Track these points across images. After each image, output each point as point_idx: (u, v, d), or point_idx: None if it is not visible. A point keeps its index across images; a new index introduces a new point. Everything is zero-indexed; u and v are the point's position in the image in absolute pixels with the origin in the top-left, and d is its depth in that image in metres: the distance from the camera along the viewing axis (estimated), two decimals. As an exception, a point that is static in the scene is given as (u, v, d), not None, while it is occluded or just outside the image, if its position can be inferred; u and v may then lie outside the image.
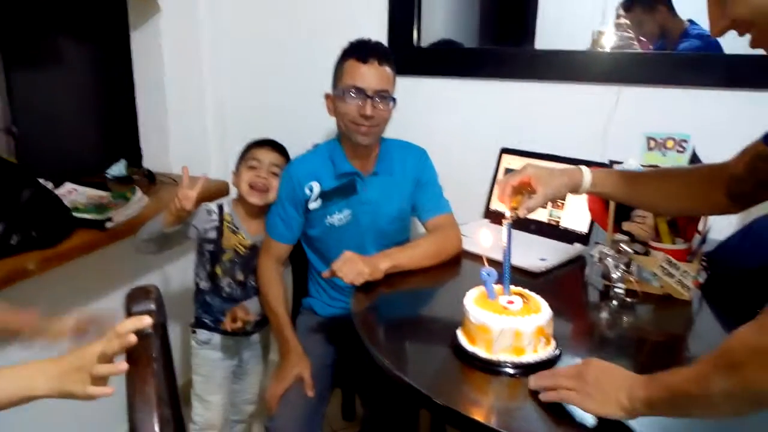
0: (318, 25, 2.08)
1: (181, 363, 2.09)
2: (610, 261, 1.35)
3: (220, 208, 1.73)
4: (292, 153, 1.77)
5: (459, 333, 1.13)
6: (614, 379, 0.89)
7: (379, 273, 1.42)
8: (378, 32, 1.95)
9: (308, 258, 1.77)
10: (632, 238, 1.42)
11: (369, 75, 1.53)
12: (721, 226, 1.44)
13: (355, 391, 1.99)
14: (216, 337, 1.76)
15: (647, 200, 1.25)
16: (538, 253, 1.57)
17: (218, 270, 1.72)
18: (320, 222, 1.66)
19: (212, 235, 1.70)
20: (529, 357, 1.06)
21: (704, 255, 1.44)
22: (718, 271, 1.42)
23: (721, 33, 0.83)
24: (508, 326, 1.05)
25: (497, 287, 1.13)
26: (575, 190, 1.23)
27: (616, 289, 1.34)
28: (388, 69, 1.56)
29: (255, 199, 1.69)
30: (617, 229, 1.44)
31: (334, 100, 1.60)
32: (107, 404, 1.94)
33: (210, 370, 1.78)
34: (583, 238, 1.67)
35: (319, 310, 1.77)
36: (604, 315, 1.33)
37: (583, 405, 0.90)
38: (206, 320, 1.76)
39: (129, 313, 0.85)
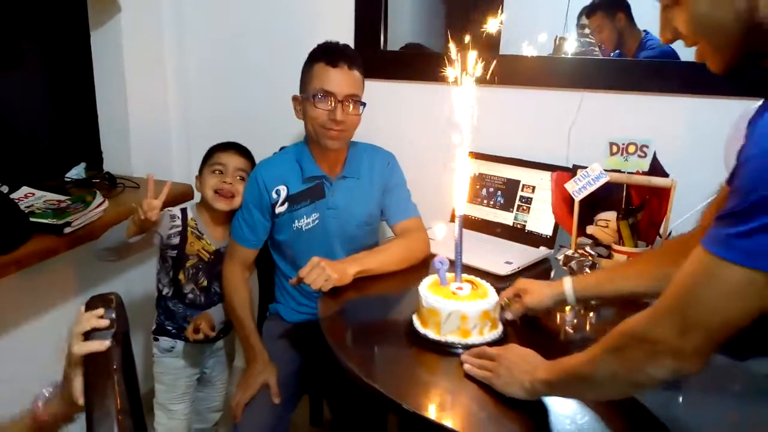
0: (284, 27, 2.07)
1: (143, 371, 2.04)
2: (574, 264, 1.37)
3: (184, 212, 1.69)
4: (258, 156, 1.75)
5: (414, 317, 1.22)
6: (524, 363, 1.01)
7: (347, 278, 1.42)
8: (345, 36, 1.94)
9: (275, 263, 1.75)
10: (596, 242, 1.44)
11: (339, 79, 1.52)
12: (682, 230, 1.48)
13: (323, 396, 1.98)
14: (179, 345, 1.72)
15: (633, 288, 1.18)
16: (504, 256, 1.59)
17: (181, 276, 1.68)
18: (287, 226, 1.64)
19: (175, 240, 1.66)
20: (475, 339, 1.15)
21: (665, 258, 1.47)
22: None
23: (669, 42, 0.87)
24: (455, 309, 1.14)
25: (450, 275, 1.22)
26: (562, 299, 1.22)
27: (581, 292, 1.36)
28: (357, 73, 1.56)
29: (221, 205, 1.66)
30: (581, 232, 1.47)
31: (303, 104, 1.58)
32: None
33: (173, 379, 1.74)
34: (549, 242, 1.69)
35: (286, 315, 1.75)
36: (568, 317, 1.34)
37: (492, 383, 1.02)
38: (169, 327, 1.72)
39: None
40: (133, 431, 0.79)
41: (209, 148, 1.74)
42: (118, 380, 0.73)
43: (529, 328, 1.25)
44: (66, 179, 1.93)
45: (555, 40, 1.92)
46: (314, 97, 1.52)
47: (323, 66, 1.52)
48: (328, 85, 1.51)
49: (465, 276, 1.23)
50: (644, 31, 1.83)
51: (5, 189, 1.65)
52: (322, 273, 1.37)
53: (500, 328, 1.20)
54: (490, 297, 1.18)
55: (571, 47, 1.89)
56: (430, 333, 1.16)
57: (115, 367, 0.75)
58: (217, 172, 1.67)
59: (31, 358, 1.75)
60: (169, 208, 1.67)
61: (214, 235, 1.71)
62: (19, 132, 1.89)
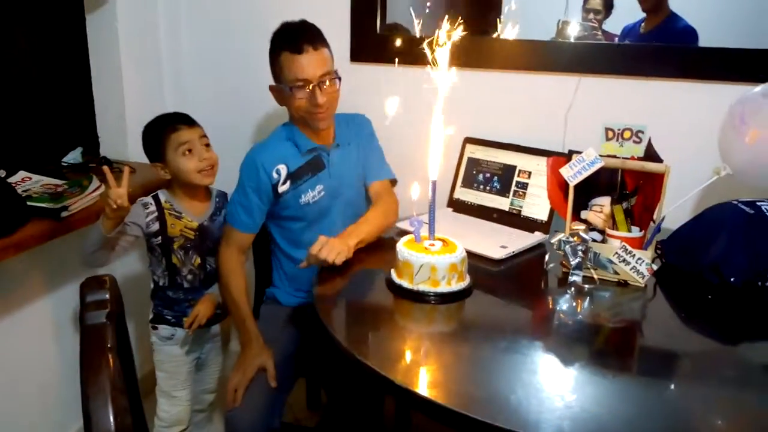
0: (279, 10, 2.04)
1: (138, 355, 2.05)
2: (568, 249, 1.38)
3: (156, 198, 1.65)
4: (254, 141, 1.74)
5: (392, 270, 1.35)
6: None
7: (351, 251, 1.46)
8: (340, 20, 1.93)
9: (274, 247, 1.76)
10: (590, 227, 1.45)
11: (308, 64, 1.53)
12: (675, 216, 1.48)
13: (319, 380, 1.99)
14: (179, 332, 1.71)
15: None
16: (499, 241, 1.59)
17: (175, 260, 1.67)
18: (294, 203, 1.65)
19: (155, 226, 1.63)
20: (443, 288, 1.28)
21: (659, 243, 1.48)
22: (671, 258, 1.47)
23: None
24: (425, 262, 1.27)
25: (425, 234, 1.35)
26: None
27: (574, 276, 1.37)
28: (324, 50, 1.57)
29: (210, 180, 1.64)
30: (576, 217, 1.47)
31: (281, 92, 1.60)
32: (63, 395, 1.88)
33: (175, 366, 1.74)
34: (544, 227, 1.70)
35: (282, 299, 1.76)
36: (562, 301, 1.35)
37: None
38: (168, 316, 1.71)
39: (83, 303, 0.83)
40: (128, 410, 0.80)
41: (150, 130, 1.65)
42: (112, 358, 0.74)
43: (541, 326, 1.28)
44: (63, 164, 1.92)
45: (558, 23, 1.91)
46: (292, 89, 1.54)
47: (288, 55, 1.53)
48: (300, 73, 1.53)
49: (439, 235, 1.36)
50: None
51: (2, 173, 1.65)
52: (333, 247, 1.41)
53: (467, 279, 1.32)
54: (457, 252, 1.30)
55: (573, 31, 1.88)
56: (404, 283, 1.29)
57: (109, 345, 0.76)
58: (186, 153, 1.60)
59: (30, 339, 1.76)
60: (141, 198, 1.64)
61: (193, 211, 1.68)
62: (15, 116, 1.88)
